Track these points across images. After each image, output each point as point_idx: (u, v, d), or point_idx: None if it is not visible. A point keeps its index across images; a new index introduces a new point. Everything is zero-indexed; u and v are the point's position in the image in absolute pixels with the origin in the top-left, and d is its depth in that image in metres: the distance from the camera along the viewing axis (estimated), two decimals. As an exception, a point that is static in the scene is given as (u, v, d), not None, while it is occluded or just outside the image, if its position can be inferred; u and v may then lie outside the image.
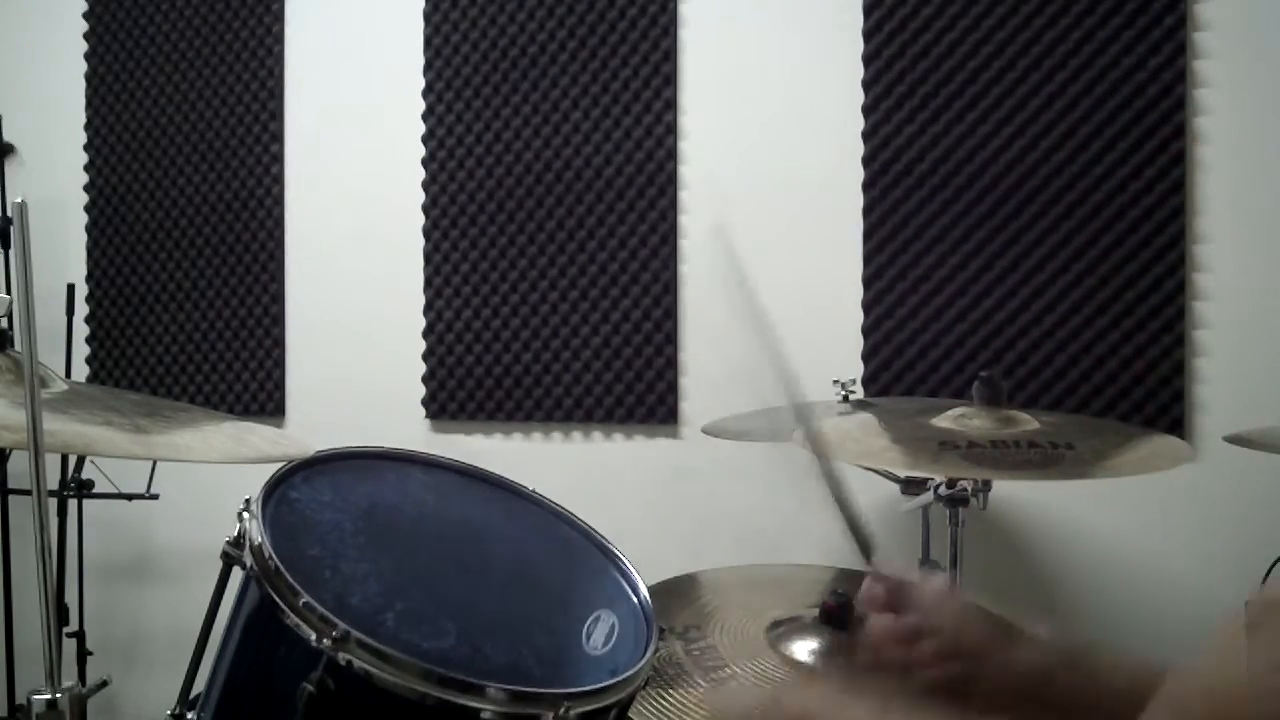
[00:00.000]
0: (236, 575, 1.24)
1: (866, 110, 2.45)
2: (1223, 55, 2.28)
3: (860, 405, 2.14)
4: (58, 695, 1.07)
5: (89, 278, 3.00)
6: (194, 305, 2.93)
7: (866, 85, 2.45)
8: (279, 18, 2.87)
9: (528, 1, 2.65)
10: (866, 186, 2.45)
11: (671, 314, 2.58)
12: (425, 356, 2.74)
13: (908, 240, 2.43)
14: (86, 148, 3.01)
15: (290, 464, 1.31)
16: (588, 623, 1.26)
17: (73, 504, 2.63)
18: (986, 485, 1.90)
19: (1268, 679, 0.72)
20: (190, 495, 2.41)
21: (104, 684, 1.33)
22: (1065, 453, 1.71)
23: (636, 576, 1.36)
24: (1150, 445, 1.87)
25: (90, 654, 2.66)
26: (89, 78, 3.01)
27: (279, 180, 2.87)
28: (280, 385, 2.86)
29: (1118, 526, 2.34)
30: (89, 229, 3.00)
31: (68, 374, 2.71)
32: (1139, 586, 2.33)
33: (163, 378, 2.95)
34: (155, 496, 2.52)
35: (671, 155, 2.58)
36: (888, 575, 1.11)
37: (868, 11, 2.45)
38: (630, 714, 1.27)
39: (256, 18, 2.88)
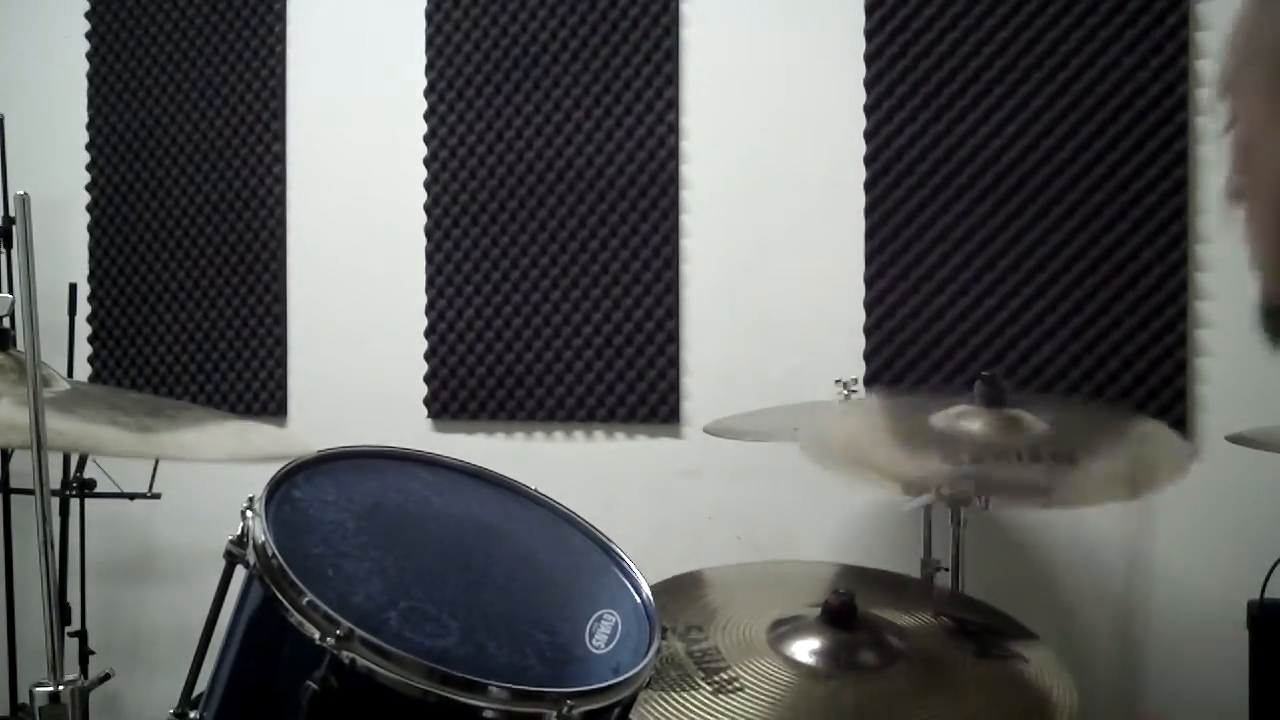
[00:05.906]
0: (239, 575, 1.24)
1: (868, 109, 2.45)
2: (1225, 54, 2.27)
3: (863, 401, 2.14)
4: (60, 688, 1.07)
5: (91, 277, 3.00)
6: (196, 305, 2.93)
7: (868, 84, 2.45)
8: (280, 17, 2.87)
9: (530, 1, 2.66)
10: (868, 186, 2.45)
11: (674, 313, 2.58)
12: (427, 356, 2.74)
13: (910, 239, 2.42)
14: (89, 147, 3.01)
15: (293, 463, 1.31)
16: (590, 622, 1.26)
17: (75, 504, 2.63)
18: (988, 485, 1.90)
19: None
20: (192, 495, 2.41)
21: (107, 676, 1.33)
22: (1066, 472, 1.73)
23: (639, 575, 1.36)
24: (1150, 446, 1.87)
25: (93, 653, 2.66)
26: (91, 77, 3.01)
27: (281, 180, 2.87)
28: (282, 385, 2.86)
29: (1118, 526, 2.33)
30: (91, 229, 3.01)
31: (69, 374, 2.71)
32: (1140, 586, 2.33)
33: (165, 377, 2.95)
34: (157, 496, 2.53)
35: (673, 154, 2.58)
36: None
37: (869, 10, 2.45)
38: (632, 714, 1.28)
39: (258, 17, 2.88)
